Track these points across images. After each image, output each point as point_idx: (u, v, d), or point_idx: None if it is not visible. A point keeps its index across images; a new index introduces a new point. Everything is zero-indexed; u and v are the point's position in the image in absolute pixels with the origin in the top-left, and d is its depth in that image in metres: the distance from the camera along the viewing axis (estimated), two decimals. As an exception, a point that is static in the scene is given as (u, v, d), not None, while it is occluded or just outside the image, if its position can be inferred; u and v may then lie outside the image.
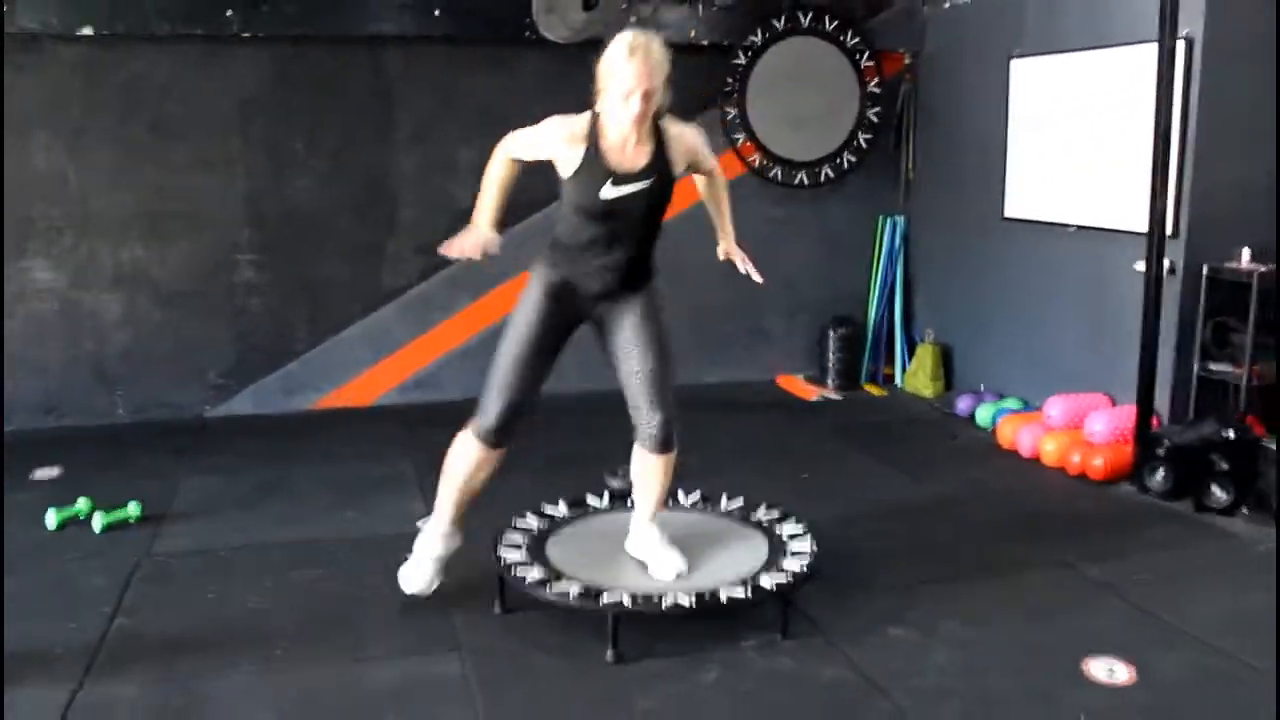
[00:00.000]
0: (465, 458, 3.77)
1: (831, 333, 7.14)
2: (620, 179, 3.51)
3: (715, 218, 3.93)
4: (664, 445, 3.72)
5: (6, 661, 3.44)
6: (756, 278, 3.80)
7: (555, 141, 3.55)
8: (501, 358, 3.69)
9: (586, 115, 3.55)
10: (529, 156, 3.66)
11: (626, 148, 3.52)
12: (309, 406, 6.60)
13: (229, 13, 5.94)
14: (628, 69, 3.37)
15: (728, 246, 3.91)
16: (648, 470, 3.80)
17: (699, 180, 3.86)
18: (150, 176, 6.21)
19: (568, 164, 3.55)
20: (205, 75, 6.19)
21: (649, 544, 3.86)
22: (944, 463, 5.66)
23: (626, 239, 3.61)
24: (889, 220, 7.29)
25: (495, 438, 3.71)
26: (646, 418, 3.69)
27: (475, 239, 3.65)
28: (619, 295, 3.69)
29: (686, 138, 3.65)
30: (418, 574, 3.84)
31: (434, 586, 3.85)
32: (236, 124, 6.29)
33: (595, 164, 3.51)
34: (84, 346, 6.26)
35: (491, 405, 3.69)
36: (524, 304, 3.71)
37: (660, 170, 3.56)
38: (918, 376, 7.02)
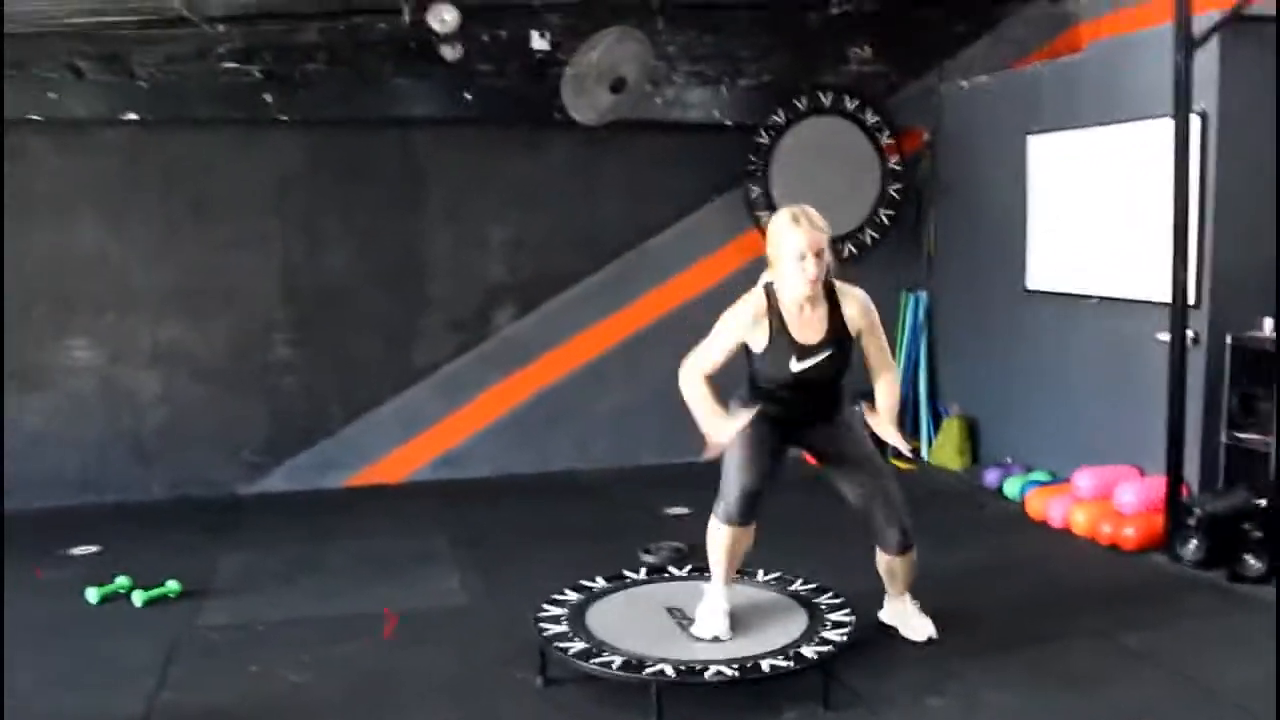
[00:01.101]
0: (722, 540, 4.00)
1: (857, 408, 7.15)
2: (805, 352, 3.81)
3: (881, 408, 4.10)
4: (903, 549, 4.08)
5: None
6: (905, 450, 4.33)
7: (742, 329, 3.86)
8: (728, 454, 3.94)
9: (759, 291, 3.89)
10: (722, 364, 3.89)
11: (805, 313, 3.82)
12: (341, 484, 6.67)
13: (267, 97, 6.14)
14: (797, 234, 3.72)
15: (885, 429, 4.07)
16: (894, 568, 4.15)
17: (872, 369, 4.08)
18: (189, 254, 6.36)
19: (756, 343, 3.86)
20: (243, 157, 6.37)
21: (904, 613, 4.25)
22: (974, 534, 5.68)
23: (816, 391, 3.95)
24: (912, 295, 7.39)
25: (741, 518, 3.96)
26: (883, 531, 4.04)
27: (721, 432, 3.82)
28: (816, 424, 4.04)
29: (858, 295, 3.95)
30: (716, 621, 3.96)
31: (729, 636, 3.95)
32: (273, 203, 6.46)
33: (781, 340, 3.83)
34: (122, 423, 6.36)
35: (730, 491, 3.94)
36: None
37: (839, 334, 3.88)
38: (944, 450, 7.04)
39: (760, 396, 3.95)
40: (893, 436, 4.03)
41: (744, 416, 3.85)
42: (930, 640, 4.13)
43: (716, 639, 3.87)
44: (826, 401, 4.02)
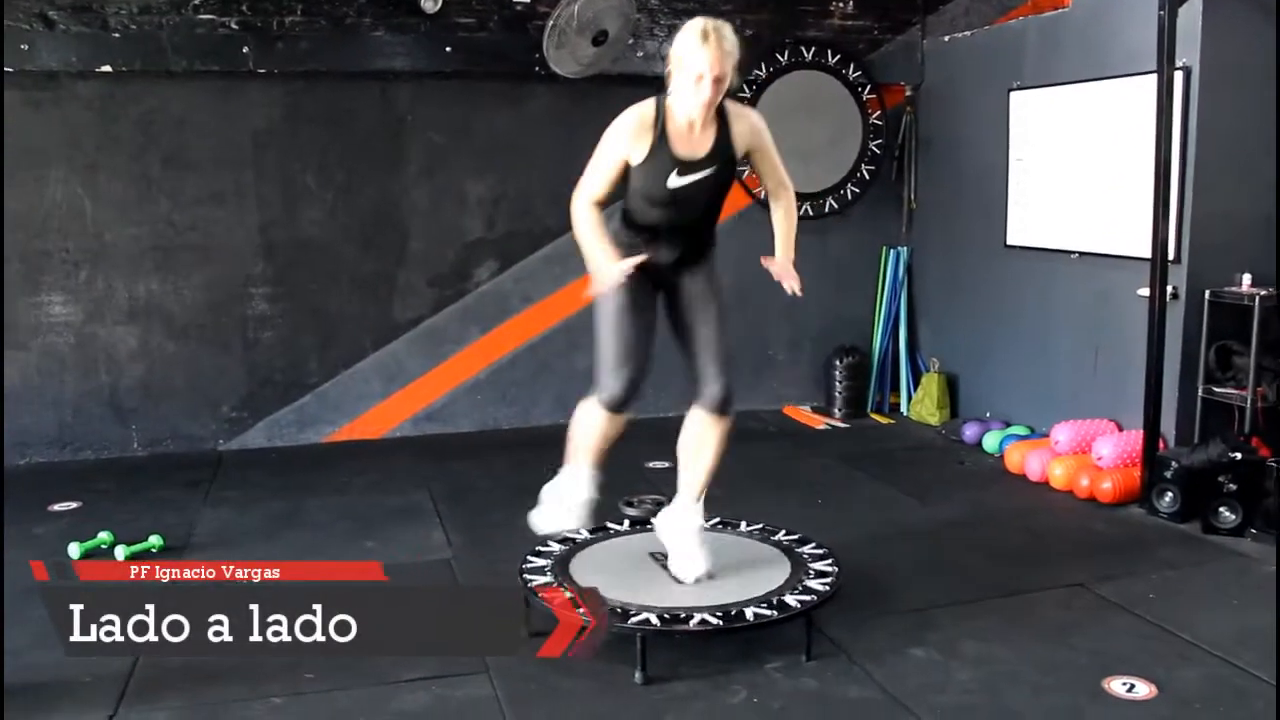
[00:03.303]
0: (594, 424, 3.87)
1: (837, 362, 7.22)
2: (686, 168, 3.63)
3: (778, 233, 3.97)
4: (723, 406, 3.82)
5: (39, 691, 3.51)
6: (796, 291, 3.86)
7: (625, 143, 3.64)
8: (605, 331, 3.80)
9: (652, 102, 3.66)
10: (609, 187, 3.71)
11: (693, 132, 3.63)
12: (322, 439, 6.65)
13: (244, 49, 6.05)
14: (701, 54, 3.48)
15: (782, 264, 3.92)
16: (704, 435, 3.87)
17: (769, 191, 3.94)
18: (164, 210, 6.28)
19: (636, 154, 3.65)
20: (219, 109, 6.28)
21: (683, 532, 3.93)
22: (953, 488, 5.73)
23: (691, 218, 3.76)
24: (892, 250, 7.40)
25: (620, 408, 3.82)
26: (711, 378, 3.80)
27: (612, 273, 3.63)
28: (685, 263, 3.83)
29: (749, 117, 3.76)
30: (562, 515, 3.92)
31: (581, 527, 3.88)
32: (250, 157, 6.37)
33: (662, 153, 3.62)
34: (99, 380, 6.31)
35: (610, 381, 3.79)
36: None
37: (724, 155, 3.68)
38: (923, 405, 7.09)
39: (634, 226, 3.78)
40: (787, 272, 3.84)
41: (629, 260, 3.61)
42: (698, 581, 3.85)
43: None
44: (699, 237, 3.83)
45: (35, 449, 6.22)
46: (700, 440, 3.90)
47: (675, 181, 3.64)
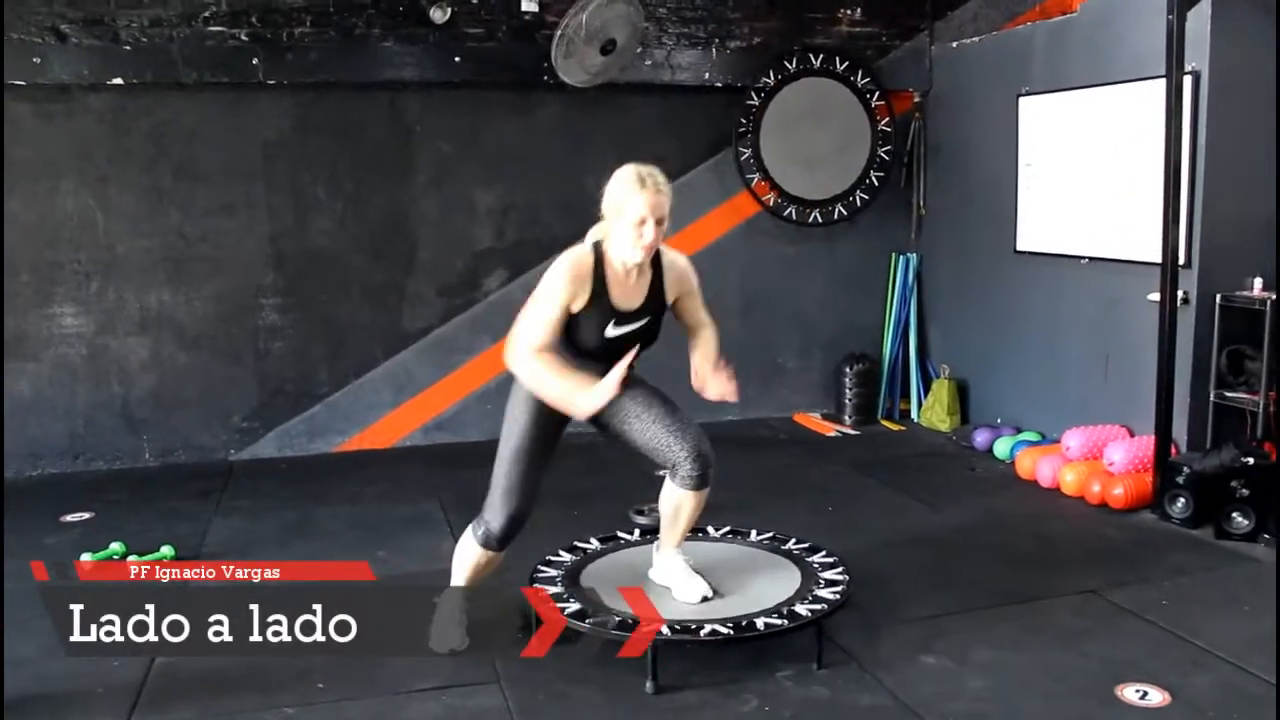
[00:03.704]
0: (472, 560, 3.82)
1: (847, 369, 7.21)
2: (622, 318, 3.61)
3: (697, 358, 3.83)
4: (701, 482, 3.74)
5: (50, 702, 3.52)
6: (731, 398, 3.73)
7: (568, 291, 3.54)
8: (501, 463, 3.73)
9: (588, 250, 3.61)
10: (553, 336, 3.57)
11: (630, 279, 3.62)
12: (332, 449, 6.66)
13: (254, 60, 6.07)
14: (640, 199, 3.48)
15: (710, 373, 3.78)
16: (683, 503, 3.80)
17: (689, 330, 3.85)
18: (175, 221, 6.31)
19: (576, 303, 3.57)
20: (230, 121, 6.31)
21: (674, 571, 3.91)
22: (964, 494, 5.71)
23: (620, 360, 3.59)
24: (902, 257, 7.39)
25: (499, 545, 3.77)
26: (682, 459, 3.70)
27: (601, 394, 3.47)
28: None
29: (679, 265, 3.75)
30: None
31: (465, 644, 3.80)
32: (260, 168, 6.40)
33: (600, 303, 3.58)
34: (111, 390, 6.34)
35: (495, 515, 3.73)
36: (516, 408, 3.71)
37: (656, 306, 3.69)
38: (934, 411, 7.08)
39: (569, 358, 3.63)
40: (721, 383, 3.70)
41: (616, 371, 3.46)
42: (705, 600, 3.82)
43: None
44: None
45: (47, 460, 6.24)
46: (679, 507, 3.83)
47: (612, 332, 3.61)
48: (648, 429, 3.72)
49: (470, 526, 3.82)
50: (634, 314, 3.64)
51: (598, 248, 3.62)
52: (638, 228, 3.48)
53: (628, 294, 3.62)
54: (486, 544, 3.76)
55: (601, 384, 3.46)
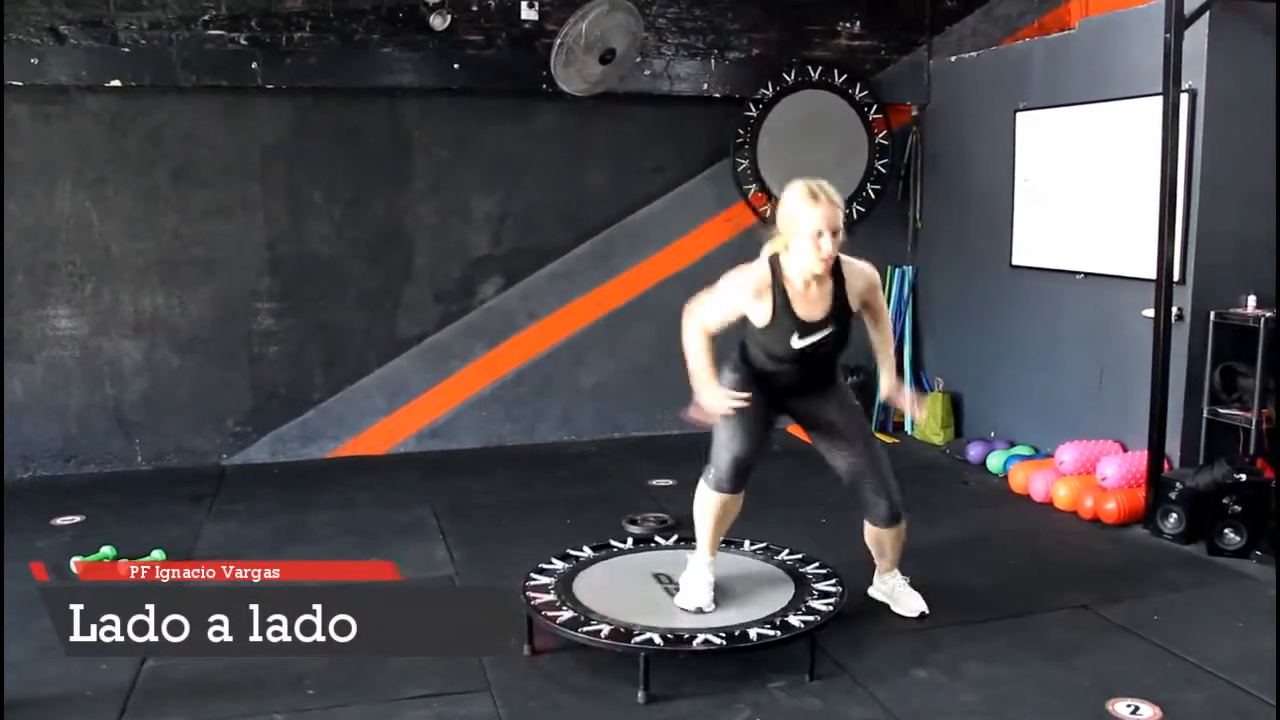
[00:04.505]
0: (710, 508, 4.00)
1: (850, 380, 7.19)
2: (807, 329, 3.73)
3: (879, 358, 4.13)
4: (893, 521, 4.05)
5: (41, 705, 3.51)
6: (920, 416, 4.06)
7: (744, 301, 3.75)
8: (720, 440, 3.94)
9: (764, 264, 3.75)
10: (723, 327, 3.82)
11: (810, 291, 3.72)
12: (326, 455, 6.65)
13: (253, 64, 6.08)
14: (814, 213, 3.59)
15: (890, 390, 4.14)
16: (882, 540, 4.13)
17: (873, 324, 4.07)
18: (171, 224, 6.30)
19: (758, 316, 3.76)
20: (227, 125, 6.31)
21: (894, 588, 4.26)
22: (957, 508, 5.72)
23: (812, 367, 3.88)
24: (898, 270, 7.40)
25: (731, 486, 3.96)
26: (875, 504, 4.01)
27: (716, 399, 3.77)
28: (806, 395, 3.98)
29: (865, 273, 3.87)
30: (700, 592, 3.94)
31: (712, 608, 3.92)
32: (257, 172, 6.40)
33: (785, 316, 3.73)
34: (104, 393, 6.32)
35: (721, 458, 3.94)
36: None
37: (841, 314, 3.81)
38: (928, 424, 7.07)
39: (755, 367, 3.89)
40: (909, 402, 4.13)
41: (734, 397, 3.76)
42: (923, 616, 4.14)
43: (700, 610, 3.87)
44: (822, 374, 3.95)
45: (39, 462, 6.23)
46: (880, 541, 4.16)
47: (799, 343, 3.76)
48: (855, 468, 4.00)
49: (702, 478, 4.00)
50: (819, 324, 3.76)
51: (774, 261, 3.73)
52: (815, 240, 3.59)
53: (810, 305, 3.75)
54: (719, 486, 3.95)
55: (720, 398, 3.73)
